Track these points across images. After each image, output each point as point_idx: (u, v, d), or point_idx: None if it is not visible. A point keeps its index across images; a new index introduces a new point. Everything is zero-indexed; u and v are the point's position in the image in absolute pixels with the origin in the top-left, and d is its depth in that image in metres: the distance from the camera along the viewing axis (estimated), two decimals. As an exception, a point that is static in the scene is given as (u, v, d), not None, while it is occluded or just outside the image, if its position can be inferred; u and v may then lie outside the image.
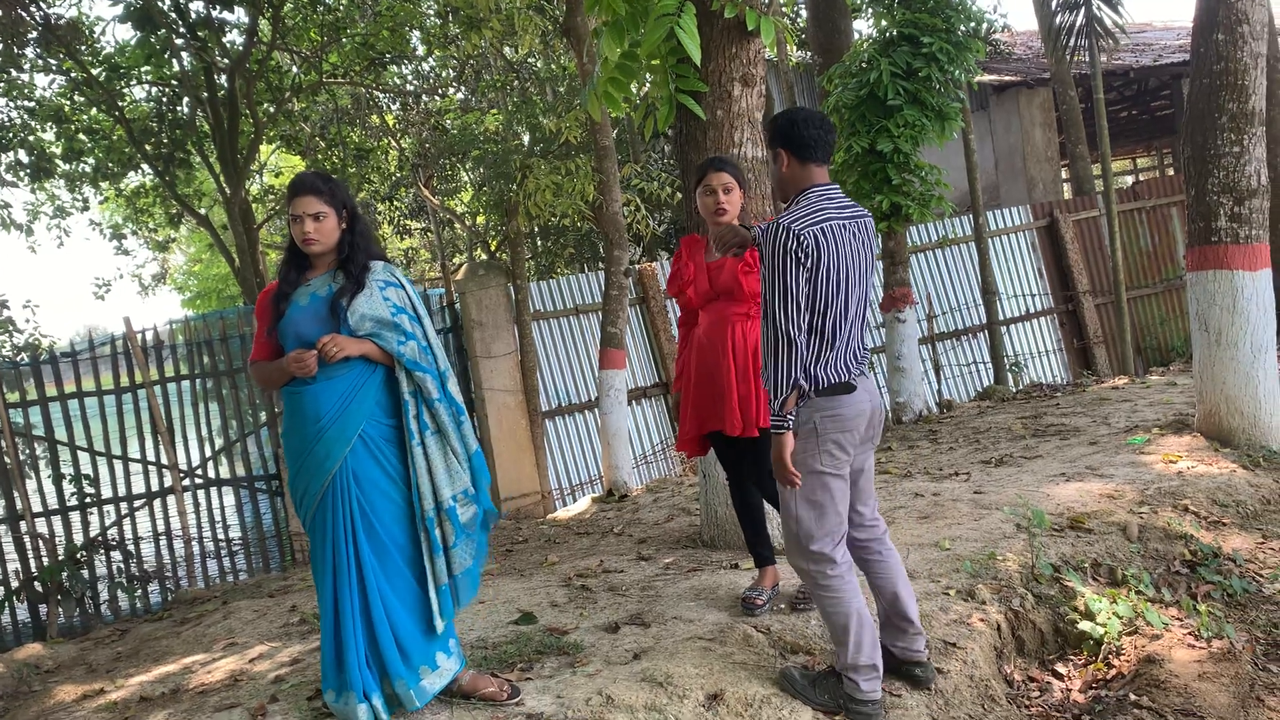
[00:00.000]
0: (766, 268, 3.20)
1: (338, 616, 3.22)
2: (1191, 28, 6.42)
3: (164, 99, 13.94)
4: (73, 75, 12.86)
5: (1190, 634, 3.96)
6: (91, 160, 14.51)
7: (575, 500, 10.30)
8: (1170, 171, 24.23)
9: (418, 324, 3.32)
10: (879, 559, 3.51)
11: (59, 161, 14.09)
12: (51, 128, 13.78)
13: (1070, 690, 3.82)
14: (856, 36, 10.65)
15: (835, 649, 3.38)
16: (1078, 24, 12.24)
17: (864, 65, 8.80)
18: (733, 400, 4.09)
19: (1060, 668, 3.99)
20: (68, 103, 13.78)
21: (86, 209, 16.42)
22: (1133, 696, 3.55)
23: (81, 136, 13.96)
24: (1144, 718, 3.41)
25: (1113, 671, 3.86)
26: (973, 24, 8.93)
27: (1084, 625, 4.03)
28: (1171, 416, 7.21)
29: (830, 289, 3.19)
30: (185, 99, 13.59)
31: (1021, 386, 11.86)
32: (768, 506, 4.37)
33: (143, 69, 13.32)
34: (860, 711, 3.31)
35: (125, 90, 13.97)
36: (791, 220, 3.18)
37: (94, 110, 13.97)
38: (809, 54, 14.06)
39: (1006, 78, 16.05)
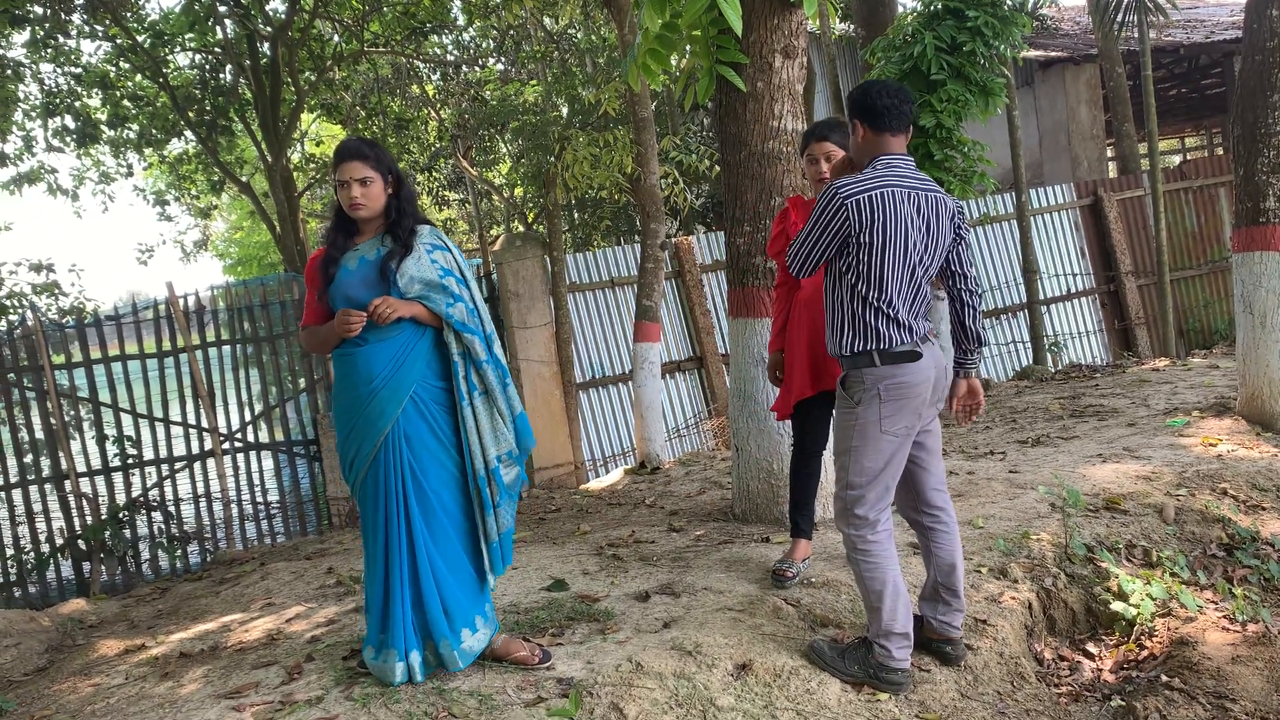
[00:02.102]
0: (811, 220, 3.30)
1: (387, 576, 3.28)
2: (1245, 3, 6.28)
3: (207, 66, 14.07)
4: (118, 42, 13.00)
5: (1225, 617, 3.92)
6: (136, 126, 14.69)
7: (608, 471, 10.34)
8: (1219, 151, 23.76)
9: (464, 286, 3.35)
10: (945, 528, 3.53)
11: (104, 127, 14.27)
12: (97, 94, 13.95)
13: (1101, 670, 3.81)
14: (900, 9, 10.50)
15: (868, 615, 3.41)
16: (1128, -1, 12.00)
17: (908, 39, 8.67)
18: None
19: (1091, 647, 3.98)
20: (113, 69, 13.94)
21: (131, 175, 16.64)
22: (1164, 678, 3.53)
23: (126, 103, 14.13)
24: (1175, 699, 3.40)
25: (1144, 653, 3.84)
26: (1019, -2, 8.79)
27: (1116, 606, 4.01)
28: (1212, 399, 7.12)
29: (883, 255, 3.23)
30: (228, 66, 13.71)
31: (1060, 367, 11.75)
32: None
33: (186, 36, 13.44)
34: (890, 680, 3.33)
35: (169, 57, 14.10)
36: (844, 184, 3.24)
37: (139, 77, 14.13)
38: (852, 26, 13.90)
39: (1053, 53, 15.78)
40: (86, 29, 12.82)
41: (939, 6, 8.57)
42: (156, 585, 6.59)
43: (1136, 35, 12.18)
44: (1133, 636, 3.93)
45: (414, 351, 3.28)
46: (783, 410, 4.41)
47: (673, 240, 11.82)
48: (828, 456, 4.94)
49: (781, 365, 4.44)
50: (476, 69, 16.44)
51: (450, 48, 16.55)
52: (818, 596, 4.01)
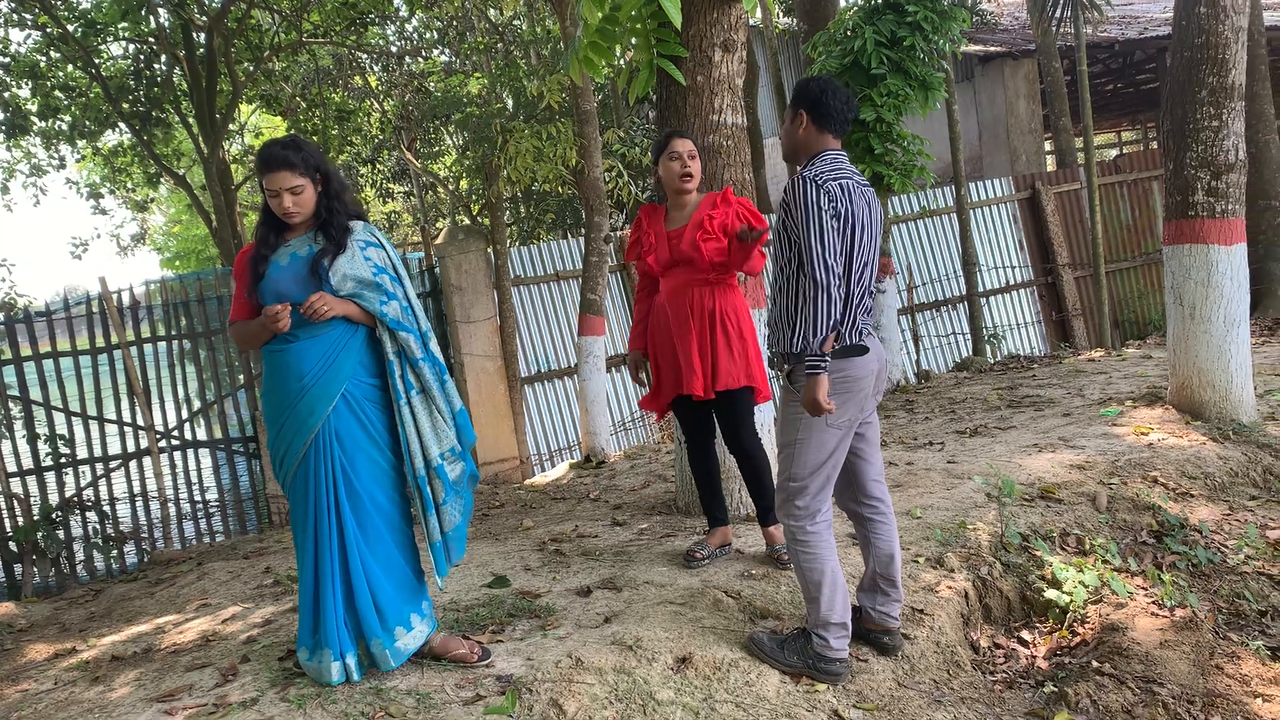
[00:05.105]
0: (798, 222, 3.25)
1: (317, 576, 3.23)
2: (1174, 0, 6.41)
3: (141, 56, 13.77)
4: (48, 31, 12.67)
5: (1154, 603, 4.01)
6: (68, 118, 14.34)
7: (553, 466, 10.32)
8: (1154, 145, 24.27)
9: (399, 284, 3.31)
10: (884, 519, 3.57)
11: (35, 119, 13.91)
12: (27, 84, 13.59)
13: (1035, 657, 3.88)
14: (842, 3, 10.58)
15: (807, 605, 3.43)
16: (1064, -5, 12.20)
17: (848, 33, 8.75)
18: (695, 364, 4.20)
19: (1026, 635, 4.05)
20: (43, 59, 13.58)
21: (63, 167, 16.26)
22: (1095, 663, 3.60)
23: (57, 93, 13.79)
24: (1105, 684, 3.46)
25: (1077, 639, 3.91)
26: (958, -7, 8.90)
27: (1050, 593, 4.08)
28: (1145, 389, 7.27)
29: (849, 245, 3.25)
30: (163, 56, 13.43)
31: (999, 358, 11.93)
32: (733, 470, 4.62)
33: (119, 25, 13.14)
34: (828, 670, 3.36)
35: (102, 47, 13.78)
36: (815, 174, 3.26)
37: (70, 67, 13.79)
38: (794, 20, 13.97)
39: (991, 48, 16.00)
40: (15, 17, 12.49)
41: (879, 1, 8.65)
42: (90, 587, 6.45)
43: (1073, 31, 12.38)
44: (1066, 623, 4.00)
45: (345, 349, 3.22)
46: (657, 409, 4.50)
47: (617, 233, 11.80)
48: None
49: (643, 364, 4.52)
50: (420, 60, 16.27)
51: (392, 38, 16.36)
52: (758, 588, 4.03)
